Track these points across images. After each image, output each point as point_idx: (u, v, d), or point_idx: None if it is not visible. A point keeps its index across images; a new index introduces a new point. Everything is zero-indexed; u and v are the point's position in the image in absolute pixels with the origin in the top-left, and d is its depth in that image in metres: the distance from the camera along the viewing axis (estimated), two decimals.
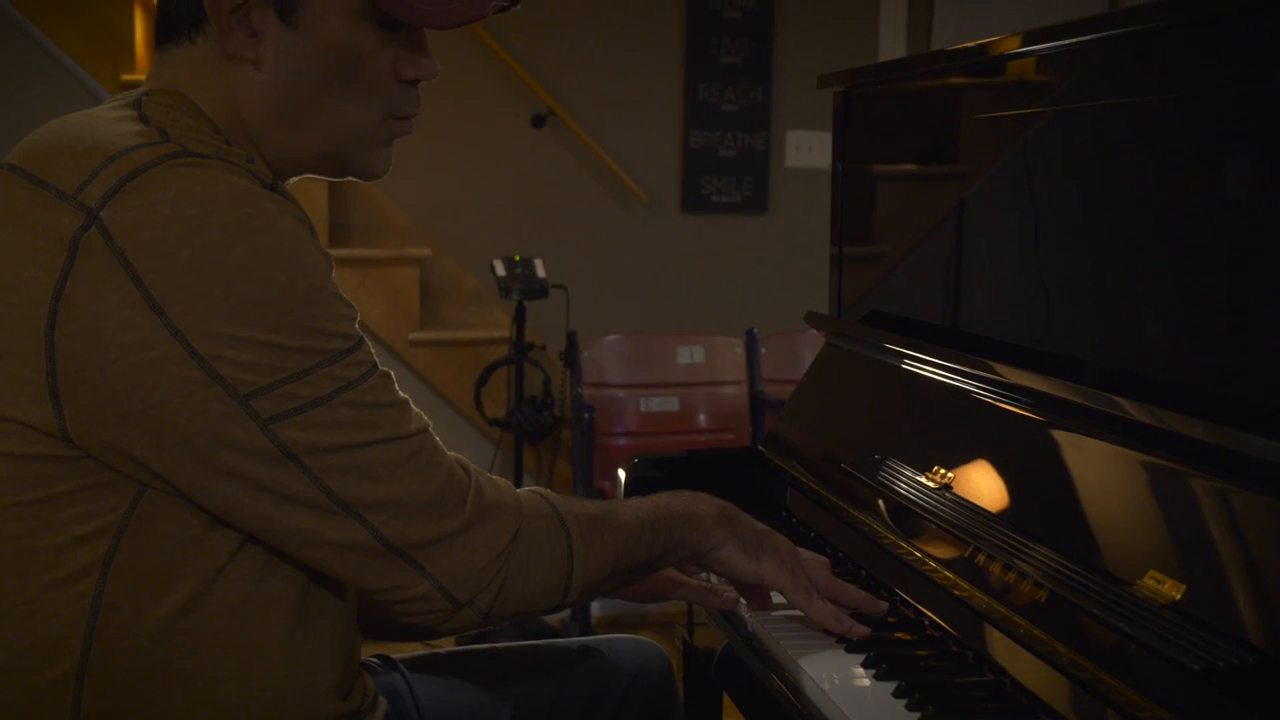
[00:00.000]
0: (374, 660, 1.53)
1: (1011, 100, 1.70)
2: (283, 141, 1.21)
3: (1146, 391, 1.29)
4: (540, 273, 4.05)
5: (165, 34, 1.21)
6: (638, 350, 4.27)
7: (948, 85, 1.87)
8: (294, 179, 1.27)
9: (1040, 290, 1.58)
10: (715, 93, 4.91)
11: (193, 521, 1.11)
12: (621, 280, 4.84)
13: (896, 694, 1.25)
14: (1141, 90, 1.39)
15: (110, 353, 1.04)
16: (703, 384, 4.26)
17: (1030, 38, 1.54)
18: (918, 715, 1.20)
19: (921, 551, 1.48)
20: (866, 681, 1.30)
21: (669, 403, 4.22)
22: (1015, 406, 1.49)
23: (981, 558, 1.37)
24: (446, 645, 1.79)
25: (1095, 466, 1.33)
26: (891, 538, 1.55)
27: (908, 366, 1.77)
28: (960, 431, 1.60)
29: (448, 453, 1.19)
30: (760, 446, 2.03)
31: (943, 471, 1.52)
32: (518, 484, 4.04)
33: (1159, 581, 1.13)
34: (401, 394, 1.16)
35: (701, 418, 4.23)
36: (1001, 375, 1.51)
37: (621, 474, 1.98)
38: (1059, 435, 1.40)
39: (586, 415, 3.92)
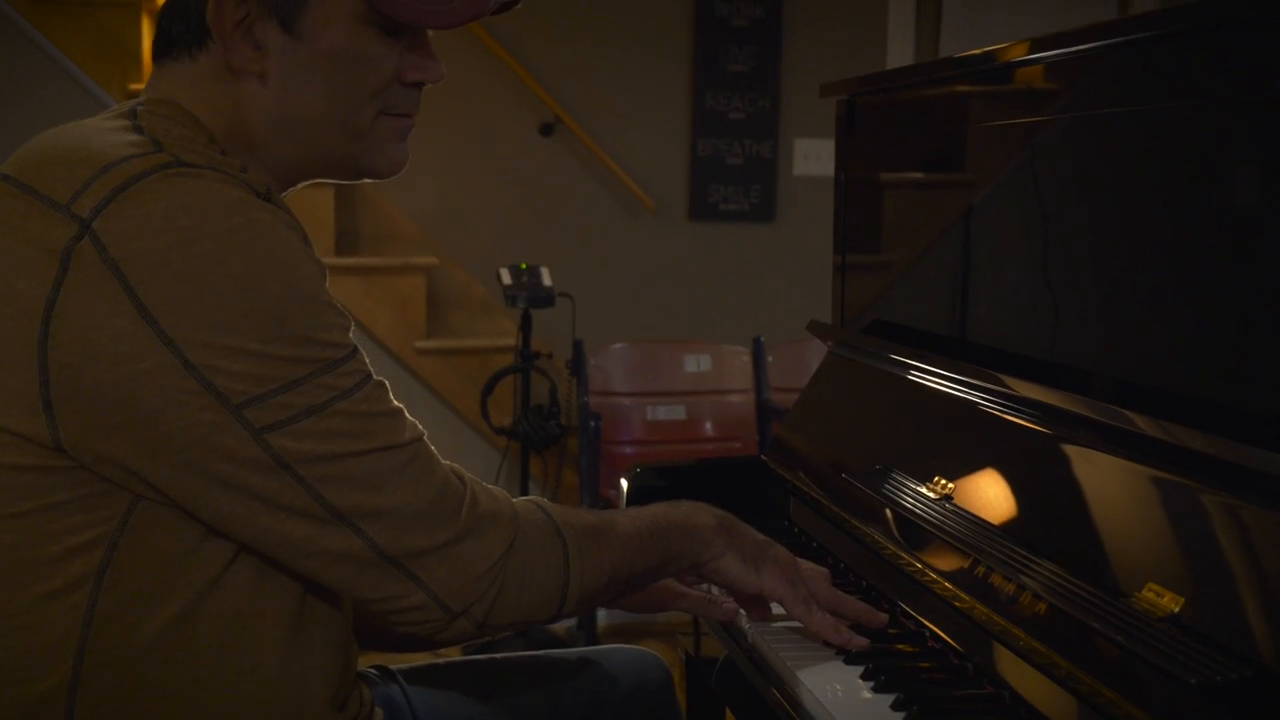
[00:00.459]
0: (372, 671, 1.53)
1: (1014, 109, 1.69)
2: (290, 150, 1.21)
3: (1147, 403, 1.28)
4: (546, 281, 4.05)
5: (164, 50, 1.22)
6: (644, 359, 4.27)
7: (951, 93, 1.87)
8: (304, 184, 1.27)
9: (1040, 299, 1.57)
10: (723, 101, 4.91)
11: (187, 532, 1.11)
12: (628, 288, 4.84)
13: (895, 706, 1.24)
14: (1150, 98, 1.37)
15: (103, 363, 1.04)
16: (709, 392, 4.26)
17: (1035, 45, 1.53)
18: None
19: (922, 563, 1.47)
20: (865, 694, 1.29)
21: (676, 411, 4.22)
22: (1016, 417, 1.48)
23: (981, 569, 1.36)
24: (453, 655, 1.79)
25: (1095, 478, 1.32)
26: (892, 548, 1.54)
27: (909, 376, 1.76)
28: (960, 442, 1.59)
29: (443, 462, 1.18)
30: (763, 456, 2.02)
31: (943, 482, 1.51)
32: (524, 493, 4.05)
33: (1158, 594, 1.12)
34: (396, 403, 1.16)
35: (708, 426, 4.23)
36: (1001, 385, 1.50)
37: (624, 483, 1.98)
38: (1058, 447, 1.39)
39: (593, 424, 3.92)
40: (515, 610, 1.20)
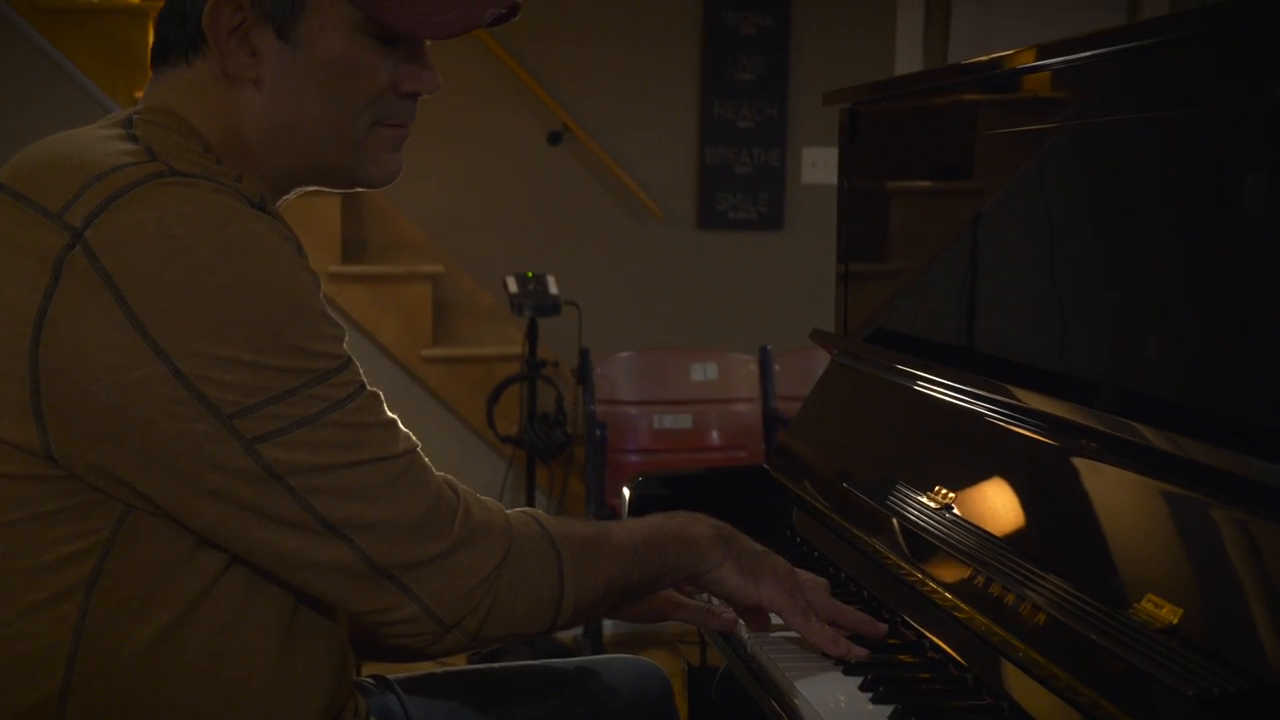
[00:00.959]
0: (369, 680, 1.52)
1: (1019, 116, 1.68)
2: (284, 158, 1.21)
3: (1151, 414, 1.27)
4: (553, 289, 4.04)
5: (161, 57, 1.22)
6: (651, 367, 4.26)
7: (954, 101, 1.86)
8: (299, 192, 1.27)
9: (1041, 309, 1.56)
10: (731, 109, 4.91)
11: (178, 543, 1.10)
12: (635, 297, 4.84)
13: (894, 717, 1.24)
14: (1158, 105, 1.36)
15: (94, 372, 1.03)
16: (716, 401, 4.25)
17: (1039, 53, 1.51)
18: None
19: (922, 573, 1.46)
20: (864, 704, 1.28)
21: (682, 420, 4.21)
22: (1018, 427, 1.47)
23: (981, 580, 1.35)
24: (457, 663, 1.78)
25: (1094, 489, 1.31)
26: (893, 558, 1.54)
27: (912, 385, 1.75)
28: (960, 451, 1.58)
29: (436, 473, 1.18)
30: (766, 465, 2.01)
31: (944, 492, 1.51)
32: (530, 502, 4.05)
33: (1157, 605, 1.11)
34: (390, 414, 1.15)
35: (715, 435, 4.22)
36: (1004, 395, 1.49)
37: (626, 492, 1.97)
38: (1059, 457, 1.38)
39: (599, 432, 3.91)
40: (509, 622, 1.19)
